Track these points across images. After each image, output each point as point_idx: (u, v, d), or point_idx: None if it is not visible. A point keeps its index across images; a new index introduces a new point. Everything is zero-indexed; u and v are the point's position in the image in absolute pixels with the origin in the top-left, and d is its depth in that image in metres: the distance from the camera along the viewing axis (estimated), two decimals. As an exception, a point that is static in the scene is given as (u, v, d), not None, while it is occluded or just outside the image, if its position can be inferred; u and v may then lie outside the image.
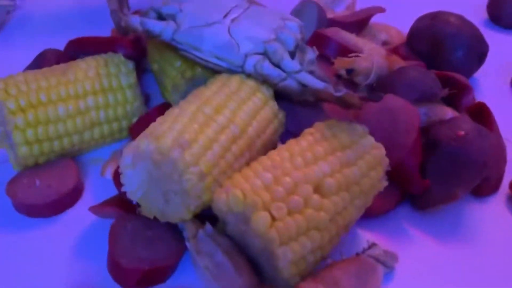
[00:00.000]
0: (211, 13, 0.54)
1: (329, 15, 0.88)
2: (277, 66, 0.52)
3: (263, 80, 0.52)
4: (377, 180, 0.46)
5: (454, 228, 0.53)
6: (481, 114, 0.59)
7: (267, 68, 0.51)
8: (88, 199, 0.54)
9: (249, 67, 0.52)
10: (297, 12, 0.79)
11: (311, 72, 0.53)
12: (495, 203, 0.56)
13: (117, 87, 0.57)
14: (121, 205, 0.48)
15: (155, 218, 0.45)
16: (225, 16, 0.54)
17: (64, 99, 0.53)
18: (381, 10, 0.81)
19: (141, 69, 0.70)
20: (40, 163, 0.54)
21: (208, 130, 0.44)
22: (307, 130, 0.47)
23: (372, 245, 0.47)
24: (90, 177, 0.57)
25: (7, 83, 0.52)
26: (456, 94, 0.65)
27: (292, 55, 0.53)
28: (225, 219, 0.43)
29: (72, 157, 0.57)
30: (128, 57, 0.63)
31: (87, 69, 0.56)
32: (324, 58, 0.64)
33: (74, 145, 0.56)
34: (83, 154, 0.59)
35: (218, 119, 0.45)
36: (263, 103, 0.50)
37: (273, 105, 0.51)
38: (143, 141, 0.42)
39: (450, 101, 0.66)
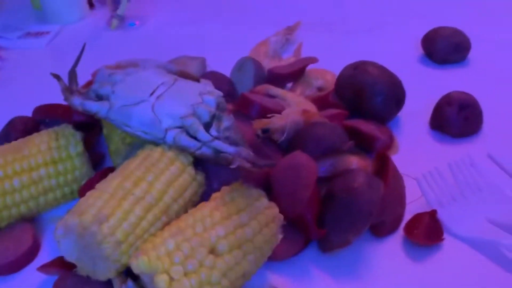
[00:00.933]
0: (139, 92, 0.64)
1: (275, 63, 0.98)
2: (194, 137, 0.61)
3: (182, 149, 0.61)
4: (271, 235, 0.55)
5: (354, 267, 0.62)
6: (383, 163, 0.68)
7: (184, 140, 0.61)
8: (44, 256, 0.64)
9: (169, 139, 0.61)
10: (238, 68, 0.89)
11: (227, 138, 0.62)
12: (392, 243, 0.64)
13: (66, 157, 0.67)
14: (62, 265, 0.57)
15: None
16: (151, 93, 0.64)
17: (19, 172, 0.64)
18: (314, 60, 0.91)
19: (100, 130, 0.80)
20: (1, 227, 0.64)
21: (125, 203, 0.54)
22: (214, 195, 0.57)
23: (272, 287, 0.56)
24: (48, 234, 0.67)
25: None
26: (366, 143, 0.74)
27: (209, 125, 0.63)
28: (142, 278, 0.53)
29: (32, 217, 0.67)
30: (82, 123, 0.73)
31: (40, 143, 0.66)
32: (249, 119, 0.74)
33: (31, 210, 0.66)
34: (42, 213, 0.69)
35: (136, 192, 0.55)
36: (180, 171, 0.59)
37: (190, 171, 0.60)
38: (70, 217, 0.52)
39: (365, 148, 0.76)
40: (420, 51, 1.01)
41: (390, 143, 0.78)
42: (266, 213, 0.55)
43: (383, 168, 0.67)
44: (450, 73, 0.96)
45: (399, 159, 0.71)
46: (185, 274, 0.49)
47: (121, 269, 0.54)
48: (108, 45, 1.12)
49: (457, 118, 0.79)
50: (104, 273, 0.54)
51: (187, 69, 0.78)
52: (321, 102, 0.83)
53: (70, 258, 0.55)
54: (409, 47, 1.03)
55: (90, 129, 0.76)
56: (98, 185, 0.57)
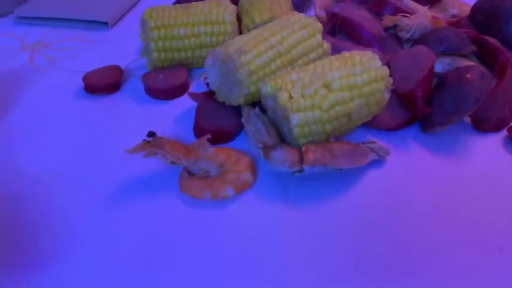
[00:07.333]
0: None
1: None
2: None
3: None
4: (378, 91, 0.63)
5: (451, 150, 0.67)
6: (502, 72, 0.71)
7: None
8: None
9: None
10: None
11: None
12: (493, 140, 0.68)
13: (221, 21, 0.80)
14: (205, 93, 0.72)
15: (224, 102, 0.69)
16: None
17: (185, 24, 0.79)
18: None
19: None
20: (164, 66, 0.81)
21: (261, 45, 0.66)
22: (343, 53, 0.66)
23: (371, 141, 0.64)
24: (195, 81, 0.82)
25: (152, 10, 0.79)
26: (489, 55, 0.77)
27: None
28: (266, 104, 0.64)
29: (186, 67, 0.82)
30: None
31: (203, 7, 0.81)
32: (378, 15, 0.82)
33: (187, 58, 0.81)
34: (193, 68, 0.84)
35: (271, 40, 0.67)
36: (310, 35, 0.70)
37: (318, 37, 0.71)
38: (218, 49, 0.67)
39: (486, 62, 0.79)
40: None
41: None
42: (377, 71, 0.63)
43: (501, 75, 0.70)
44: None
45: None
46: (302, 95, 0.60)
47: (249, 98, 0.67)
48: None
49: None
50: (236, 98, 0.67)
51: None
52: (452, 26, 0.87)
53: (213, 85, 0.69)
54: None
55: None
56: (240, 35, 0.70)
